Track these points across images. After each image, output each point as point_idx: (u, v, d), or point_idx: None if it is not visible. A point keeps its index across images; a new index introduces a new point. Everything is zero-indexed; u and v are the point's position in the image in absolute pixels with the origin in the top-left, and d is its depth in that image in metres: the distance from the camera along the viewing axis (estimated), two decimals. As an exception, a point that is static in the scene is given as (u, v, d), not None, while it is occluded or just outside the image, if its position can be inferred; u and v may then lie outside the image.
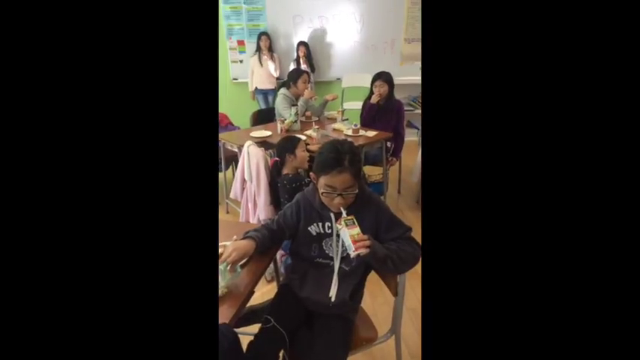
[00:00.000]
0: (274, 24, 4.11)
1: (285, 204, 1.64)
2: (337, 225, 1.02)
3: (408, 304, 1.87)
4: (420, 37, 4.25)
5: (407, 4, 4.12)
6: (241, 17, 4.06)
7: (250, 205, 2.20)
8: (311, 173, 1.11)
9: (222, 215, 2.74)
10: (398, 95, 4.60)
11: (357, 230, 0.97)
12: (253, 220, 2.17)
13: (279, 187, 1.97)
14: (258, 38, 3.87)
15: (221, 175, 2.73)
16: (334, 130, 2.67)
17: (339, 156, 1.00)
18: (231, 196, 2.36)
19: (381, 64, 4.32)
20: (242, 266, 1.03)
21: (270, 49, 3.92)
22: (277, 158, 2.01)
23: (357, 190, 1.04)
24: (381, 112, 2.73)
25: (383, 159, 2.65)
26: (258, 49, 3.89)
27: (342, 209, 1.03)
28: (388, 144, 2.75)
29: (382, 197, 2.79)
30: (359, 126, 2.57)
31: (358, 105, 2.86)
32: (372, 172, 2.90)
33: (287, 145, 1.98)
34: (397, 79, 4.44)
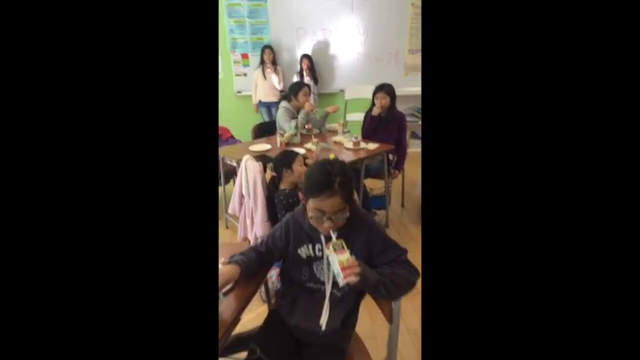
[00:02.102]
0: (278, 37, 4.13)
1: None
2: (326, 250, 0.97)
3: (408, 325, 1.79)
4: (423, 47, 4.22)
5: (410, 15, 4.11)
6: (245, 31, 4.09)
7: (248, 221, 2.15)
8: (300, 193, 1.06)
9: (221, 230, 2.71)
10: (402, 106, 4.57)
11: (346, 256, 0.91)
12: (251, 237, 2.13)
13: (276, 203, 1.93)
14: (262, 51, 3.88)
15: (220, 189, 2.70)
16: (335, 142, 2.63)
17: (328, 178, 0.95)
18: (230, 211, 2.32)
19: (385, 76, 4.29)
20: (225, 293, 0.98)
21: (274, 62, 3.93)
22: (274, 173, 1.97)
23: (347, 214, 0.99)
24: (382, 124, 2.68)
25: (385, 172, 2.59)
26: (262, 62, 3.91)
27: (331, 233, 0.98)
28: (390, 156, 2.70)
29: (384, 211, 2.72)
30: (360, 138, 2.52)
31: (361, 116, 2.82)
32: (373, 185, 2.84)
33: (284, 159, 1.95)
34: (401, 90, 4.42)
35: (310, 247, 1.08)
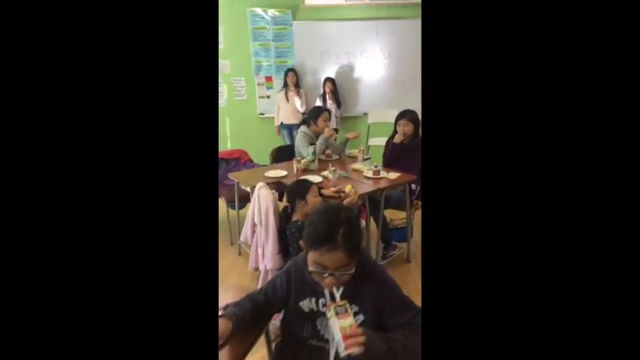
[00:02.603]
0: (302, 60, 4.13)
1: (295, 254, 1.48)
2: (327, 312, 0.84)
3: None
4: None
5: (437, 40, 4.01)
6: (270, 54, 4.13)
7: (260, 251, 2.05)
8: (300, 242, 0.95)
9: (233, 257, 2.62)
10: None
11: (349, 321, 0.78)
12: (261, 267, 2.02)
13: (288, 236, 1.83)
14: (285, 74, 3.89)
15: (234, 213, 2.64)
16: (354, 170, 2.51)
17: (331, 229, 0.83)
18: (242, 239, 2.24)
19: (409, 100, 4.19)
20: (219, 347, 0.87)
21: (297, 85, 3.92)
22: (287, 203, 1.88)
23: (352, 270, 0.86)
24: (405, 152, 2.55)
25: (407, 202, 2.44)
26: (285, 85, 3.90)
27: (334, 290, 0.86)
28: (413, 186, 2.55)
29: (406, 244, 2.55)
30: (380, 167, 2.40)
31: (384, 141, 2.70)
32: (394, 216, 2.68)
33: (298, 189, 1.85)
34: (427, 115, 4.31)
35: (314, 300, 0.96)
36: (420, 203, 2.59)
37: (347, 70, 4.17)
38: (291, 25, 4.01)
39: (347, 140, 2.86)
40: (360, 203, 2.16)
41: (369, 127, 4.15)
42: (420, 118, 2.56)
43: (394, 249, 2.53)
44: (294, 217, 1.84)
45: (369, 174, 2.38)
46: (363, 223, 2.10)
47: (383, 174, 2.39)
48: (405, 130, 2.51)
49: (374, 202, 2.34)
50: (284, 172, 2.41)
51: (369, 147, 4.08)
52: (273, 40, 4.08)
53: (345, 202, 1.91)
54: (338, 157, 2.82)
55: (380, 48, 4.08)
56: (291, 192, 1.86)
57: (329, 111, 2.85)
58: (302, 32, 4.04)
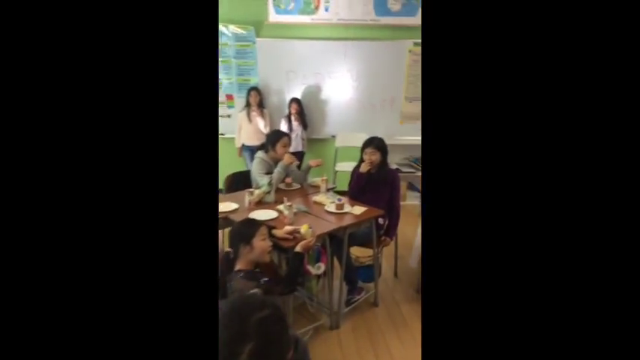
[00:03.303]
0: (266, 79, 3.89)
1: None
2: None
3: None
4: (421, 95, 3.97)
5: (408, 62, 3.89)
6: (231, 71, 3.86)
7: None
8: None
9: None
10: (398, 156, 4.30)
11: None
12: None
13: (228, 290, 1.50)
14: (248, 93, 3.62)
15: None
16: (315, 203, 2.24)
17: (233, 347, 0.54)
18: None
19: (380, 123, 4.02)
20: None
21: (260, 105, 3.65)
22: (229, 249, 1.56)
23: None
24: (372, 183, 2.31)
25: (373, 240, 2.18)
26: (248, 105, 3.63)
27: None
28: (380, 221, 2.30)
29: (373, 284, 2.27)
30: (344, 200, 2.14)
31: (353, 167, 2.46)
32: (361, 253, 2.42)
33: (242, 230, 1.54)
34: (397, 139, 4.13)
35: None
36: (388, 239, 2.34)
37: (314, 91, 3.95)
38: (254, 42, 3.78)
39: (309, 168, 2.60)
40: (319, 245, 1.87)
41: (336, 150, 3.92)
42: (386, 145, 2.34)
43: (360, 292, 2.24)
44: (237, 266, 1.52)
45: (332, 208, 2.12)
46: (322, 267, 1.80)
47: (347, 208, 2.13)
48: (372, 159, 2.28)
49: (337, 240, 2.06)
50: (234, 206, 2.09)
51: (336, 173, 3.84)
52: (234, 57, 3.81)
53: (300, 245, 1.62)
54: (299, 186, 2.54)
55: (348, 69, 3.90)
56: (235, 234, 1.55)
57: (289, 136, 2.59)
58: (266, 50, 3.80)
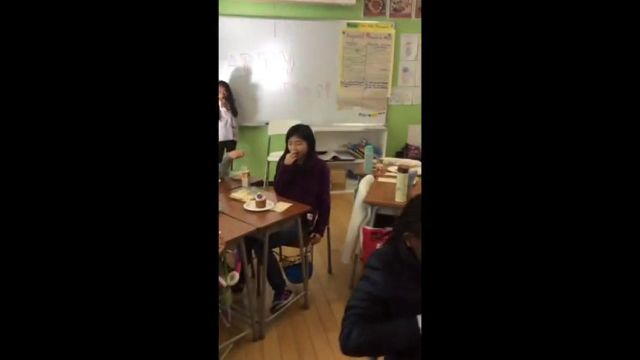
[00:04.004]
0: (188, 60, 3.48)
1: None
2: None
3: None
4: (358, 80, 3.83)
5: (342, 45, 3.70)
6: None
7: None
8: None
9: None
10: (336, 143, 4.15)
11: None
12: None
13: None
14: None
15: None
16: (233, 200, 1.99)
17: None
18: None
19: (316, 109, 3.82)
20: None
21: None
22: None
23: None
24: (299, 175, 2.11)
25: (299, 238, 1.99)
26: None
27: None
28: (309, 216, 2.12)
29: (302, 285, 2.10)
30: (264, 197, 1.91)
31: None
32: (291, 252, 2.23)
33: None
34: (335, 126, 3.98)
35: None
36: (318, 236, 2.17)
37: (243, 75, 3.63)
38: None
39: (230, 160, 2.33)
40: (233, 251, 1.64)
41: (269, 139, 3.66)
42: (312, 134, 2.14)
43: (287, 296, 2.06)
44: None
45: (251, 206, 1.89)
46: (237, 276, 1.58)
47: (269, 205, 1.91)
48: (298, 149, 2.07)
49: (257, 242, 1.84)
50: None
51: (269, 163, 3.60)
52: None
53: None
54: (220, 180, 2.27)
55: (280, 51, 3.63)
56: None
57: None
58: (187, 27, 3.39)
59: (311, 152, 2.13)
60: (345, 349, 0.98)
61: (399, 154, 4.06)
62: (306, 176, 2.12)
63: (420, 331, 0.92)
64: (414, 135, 4.16)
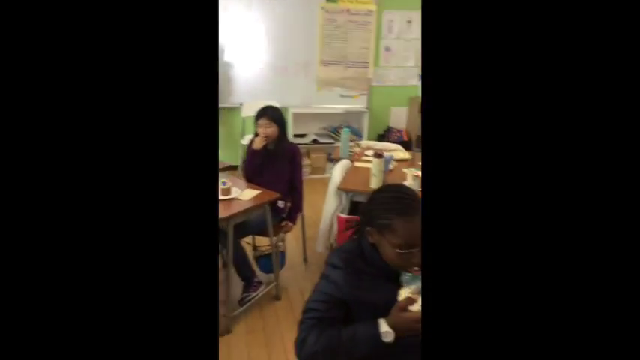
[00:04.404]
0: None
1: None
2: None
3: None
4: (338, 59, 3.65)
5: (321, 22, 3.51)
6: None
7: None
8: None
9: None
10: (316, 126, 4.00)
11: None
12: None
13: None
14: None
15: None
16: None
17: None
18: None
19: (294, 90, 3.64)
20: None
21: None
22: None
23: None
24: (269, 161, 1.98)
25: (268, 226, 1.88)
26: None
27: None
28: (280, 204, 2.00)
29: (274, 275, 2.01)
30: (229, 184, 1.78)
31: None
32: (263, 242, 2.12)
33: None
34: (315, 107, 3.82)
35: None
36: (290, 224, 2.06)
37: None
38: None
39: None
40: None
41: (243, 121, 3.49)
42: (283, 116, 2.00)
43: (257, 287, 1.96)
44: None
45: (218, 196, 1.75)
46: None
47: (235, 193, 1.79)
48: (268, 133, 1.93)
49: (222, 233, 1.72)
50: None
51: (242, 148, 3.44)
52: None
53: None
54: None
55: (255, 27, 3.41)
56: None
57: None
58: None
59: (282, 136, 1.99)
60: (300, 356, 0.89)
61: (381, 138, 3.95)
62: (277, 161, 1.99)
63: (382, 337, 0.83)
64: (397, 117, 4.05)
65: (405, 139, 3.92)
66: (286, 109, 3.59)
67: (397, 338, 0.83)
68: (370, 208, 0.91)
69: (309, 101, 3.71)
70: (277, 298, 2.02)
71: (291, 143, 2.11)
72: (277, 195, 1.86)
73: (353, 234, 1.02)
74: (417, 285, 0.84)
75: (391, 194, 0.90)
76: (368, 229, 0.90)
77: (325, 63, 3.65)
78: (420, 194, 1.93)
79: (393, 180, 2.09)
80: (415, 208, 0.84)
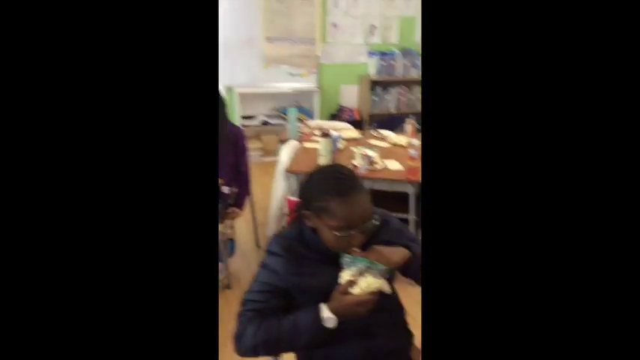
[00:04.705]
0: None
1: None
2: None
3: None
4: (284, 35, 3.51)
5: (264, -5, 3.32)
6: None
7: None
8: None
9: None
10: (265, 106, 3.86)
11: None
12: None
13: None
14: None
15: None
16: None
17: None
18: None
19: (239, 67, 3.45)
20: None
21: None
22: None
23: None
24: (210, 144, 1.85)
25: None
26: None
27: None
28: (226, 190, 1.90)
29: (225, 265, 1.93)
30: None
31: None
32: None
33: None
34: (263, 87, 3.67)
35: None
36: (237, 211, 1.97)
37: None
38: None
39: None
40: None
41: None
42: (225, 97, 1.87)
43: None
44: None
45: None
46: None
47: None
48: (207, 114, 1.79)
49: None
50: None
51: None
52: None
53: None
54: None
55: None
56: None
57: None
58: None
59: (223, 118, 1.87)
60: (239, 351, 0.84)
61: (334, 117, 3.91)
62: (220, 146, 1.87)
63: (324, 322, 0.79)
64: (348, 96, 4.01)
65: (357, 117, 3.90)
66: (231, 88, 3.41)
67: (340, 323, 0.80)
68: (306, 191, 0.86)
69: (255, 80, 3.55)
70: (229, 287, 1.95)
71: (234, 125, 1.99)
72: (222, 180, 1.76)
73: (293, 220, 0.96)
74: (358, 267, 0.81)
75: (326, 175, 0.85)
76: (305, 212, 0.85)
77: (270, 40, 3.49)
78: (366, 173, 1.94)
79: (342, 160, 2.07)
80: (352, 187, 0.80)
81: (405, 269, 0.86)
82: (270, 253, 0.89)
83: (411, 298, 1.37)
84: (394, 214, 0.98)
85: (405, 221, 2.02)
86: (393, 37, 3.86)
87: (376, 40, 3.82)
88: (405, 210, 1.94)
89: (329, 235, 0.81)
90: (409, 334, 0.99)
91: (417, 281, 0.91)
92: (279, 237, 0.93)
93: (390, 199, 2.07)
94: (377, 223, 0.84)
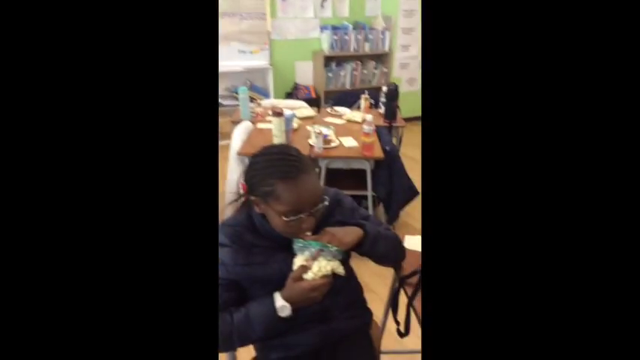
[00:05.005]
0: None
1: None
2: None
3: None
4: (231, 10, 3.30)
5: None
6: None
7: None
8: None
9: None
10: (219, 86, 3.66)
11: None
12: None
13: None
14: None
15: None
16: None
17: None
18: None
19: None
20: None
21: None
22: None
23: None
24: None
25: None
26: None
27: None
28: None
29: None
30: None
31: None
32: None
33: None
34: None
35: None
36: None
37: None
38: None
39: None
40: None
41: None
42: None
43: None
44: None
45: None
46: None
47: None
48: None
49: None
50: None
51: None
52: None
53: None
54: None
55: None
56: None
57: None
58: None
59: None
60: None
61: (290, 96, 3.80)
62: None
63: (278, 312, 0.76)
64: (302, 73, 3.91)
65: (314, 95, 3.83)
66: (178, 69, 3.19)
67: (296, 310, 0.77)
68: (250, 175, 0.80)
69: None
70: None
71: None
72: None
73: (240, 207, 0.91)
74: (311, 251, 0.77)
75: (271, 157, 0.80)
76: (252, 198, 0.80)
77: (222, 15, 3.27)
78: (320, 152, 1.90)
79: (298, 139, 2.01)
80: (299, 168, 0.75)
81: (360, 248, 0.83)
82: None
83: (371, 271, 1.39)
84: (354, 192, 0.95)
85: (365, 198, 2.03)
86: (345, 10, 3.77)
87: (327, 13, 3.71)
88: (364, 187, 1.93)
89: (278, 220, 0.77)
90: (368, 313, 0.99)
91: (374, 260, 0.89)
92: (225, 225, 0.87)
93: (349, 177, 2.06)
94: (327, 204, 0.81)
